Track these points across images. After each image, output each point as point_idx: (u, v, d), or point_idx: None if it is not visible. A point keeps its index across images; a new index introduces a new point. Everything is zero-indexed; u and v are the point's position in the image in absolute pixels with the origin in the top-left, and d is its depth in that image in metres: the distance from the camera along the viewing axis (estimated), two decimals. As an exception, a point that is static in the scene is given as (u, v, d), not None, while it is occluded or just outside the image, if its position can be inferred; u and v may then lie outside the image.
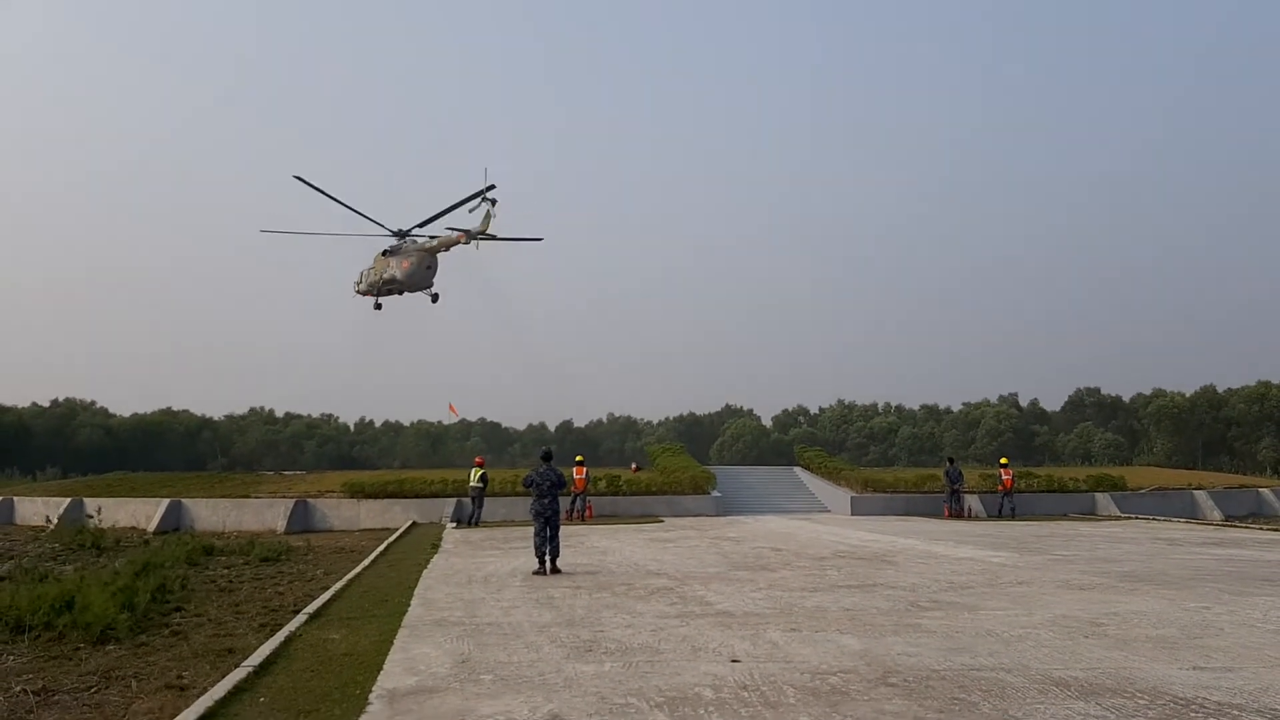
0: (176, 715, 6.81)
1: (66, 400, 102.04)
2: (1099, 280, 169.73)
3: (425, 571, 15.71)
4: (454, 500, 29.99)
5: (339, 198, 34.20)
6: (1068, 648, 9.03)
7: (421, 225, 36.52)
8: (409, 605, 12.06)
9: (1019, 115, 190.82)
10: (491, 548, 20.14)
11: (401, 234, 36.70)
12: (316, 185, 33.99)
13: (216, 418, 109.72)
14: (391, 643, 9.54)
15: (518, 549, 19.57)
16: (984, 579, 14.35)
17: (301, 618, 11.02)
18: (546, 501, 15.78)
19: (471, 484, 28.04)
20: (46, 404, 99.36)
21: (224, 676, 8.03)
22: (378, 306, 38.99)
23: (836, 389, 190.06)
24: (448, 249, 35.94)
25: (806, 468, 38.62)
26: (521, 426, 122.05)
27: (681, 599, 12.42)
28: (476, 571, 15.73)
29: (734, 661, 8.47)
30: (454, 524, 27.89)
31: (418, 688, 7.61)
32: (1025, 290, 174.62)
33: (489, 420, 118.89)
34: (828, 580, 14.30)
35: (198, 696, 7.41)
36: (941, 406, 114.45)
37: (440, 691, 7.47)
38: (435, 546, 20.29)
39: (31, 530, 29.85)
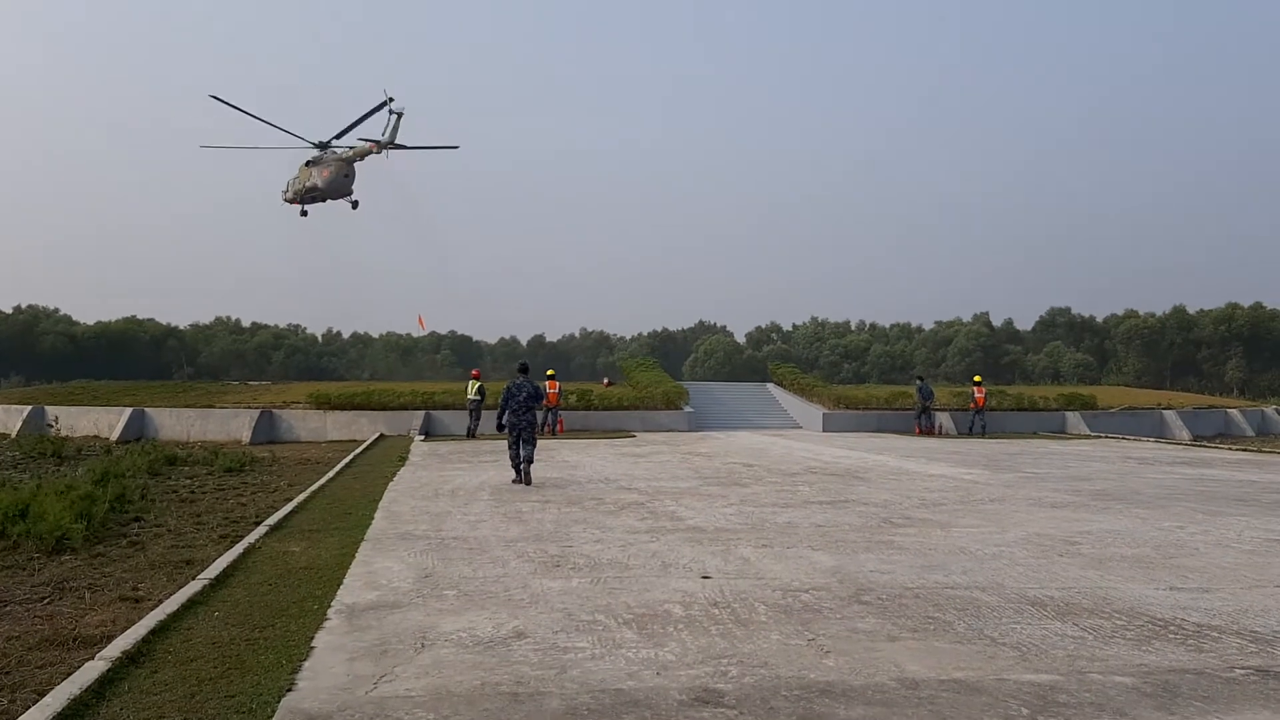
0: (129, 627, 6.55)
1: (29, 307, 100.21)
2: (1073, 202, 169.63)
3: (391, 484, 15.47)
4: (423, 413, 29.73)
5: (257, 114, 35.78)
6: (1043, 566, 8.93)
7: (338, 137, 38.63)
8: (373, 518, 11.81)
9: (1003, 41, 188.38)
10: (460, 461, 19.93)
11: (322, 145, 38.59)
12: (234, 104, 35.73)
13: (182, 326, 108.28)
14: (353, 556, 9.30)
15: (486, 463, 19.38)
16: (956, 496, 14.29)
17: (262, 529, 10.76)
18: (521, 414, 15.75)
19: (469, 396, 28.12)
20: (9, 310, 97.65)
21: (180, 589, 7.78)
22: (303, 214, 40.77)
23: (810, 307, 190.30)
24: (362, 158, 38.20)
25: (779, 384, 38.59)
26: (493, 340, 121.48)
27: (652, 514, 12.25)
28: (444, 485, 15.51)
29: (704, 578, 8.30)
30: (421, 436, 27.67)
31: (378, 603, 7.38)
32: (1001, 211, 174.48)
33: (459, 333, 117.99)
34: (799, 496, 14.18)
35: (152, 609, 7.15)
36: (914, 325, 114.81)
37: (402, 607, 7.24)
38: (402, 459, 20.06)
39: (-8, 438, 29.40)
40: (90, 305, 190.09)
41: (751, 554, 9.48)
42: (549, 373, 30.46)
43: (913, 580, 8.26)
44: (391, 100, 36.50)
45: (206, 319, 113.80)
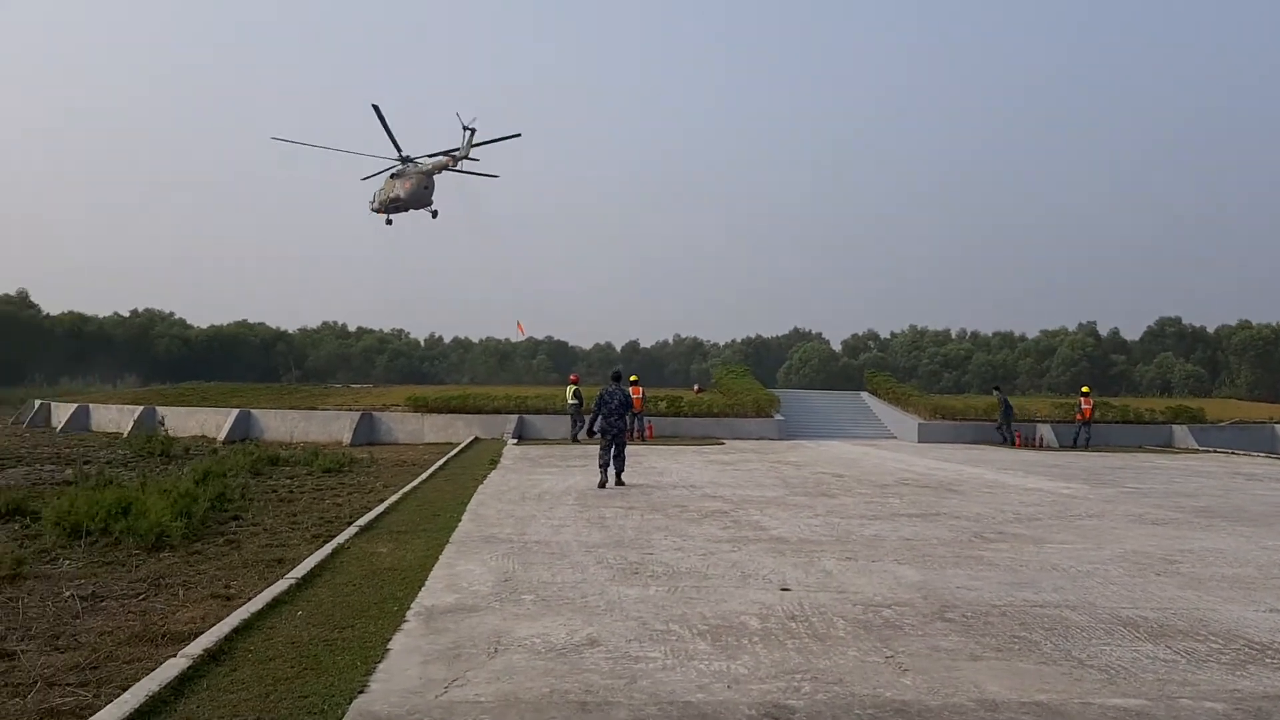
0: (215, 625, 6.73)
1: (146, 310, 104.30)
2: (1185, 209, 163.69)
3: (480, 487, 15.67)
4: (516, 417, 30.06)
5: (322, 145, 40.27)
6: (1137, 585, 8.61)
7: (429, 156, 41.14)
8: (460, 521, 11.96)
9: (1116, 41, 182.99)
10: (550, 465, 20.08)
11: (405, 160, 40.60)
12: (295, 140, 40.24)
13: (291, 330, 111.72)
14: (437, 558, 9.43)
15: (575, 467, 19.49)
16: (1052, 511, 13.88)
17: (352, 530, 10.98)
18: (614, 420, 16.24)
19: (568, 401, 28.35)
20: (127, 314, 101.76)
21: (268, 587, 7.98)
22: (388, 223, 43.00)
23: (909, 314, 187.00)
24: (440, 171, 40.26)
25: (874, 393, 38.04)
26: (588, 346, 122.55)
27: (735, 523, 12.16)
28: (531, 489, 15.64)
29: (784, 590, 8.19)
30: (514, 440, 27.98)
31: (457, 606, 7.46)
32: (1109, 217, 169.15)
33: (556, 339, 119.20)
34: (889, 508, 13.93)
35: (240, 607, 7.34)
36: (1017, 334, 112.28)
37: (479, 610, 7.31)
38: (494, 462, 20.30)
39: (107, 437, 30.65)
40: (204, 309, 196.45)
41: (834, 567, 9.33)
42: (632, 378, 30.58)
43: (1000, 597, 8.03)
44: (475, 120, 39.13)
45: (314, 323, 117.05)
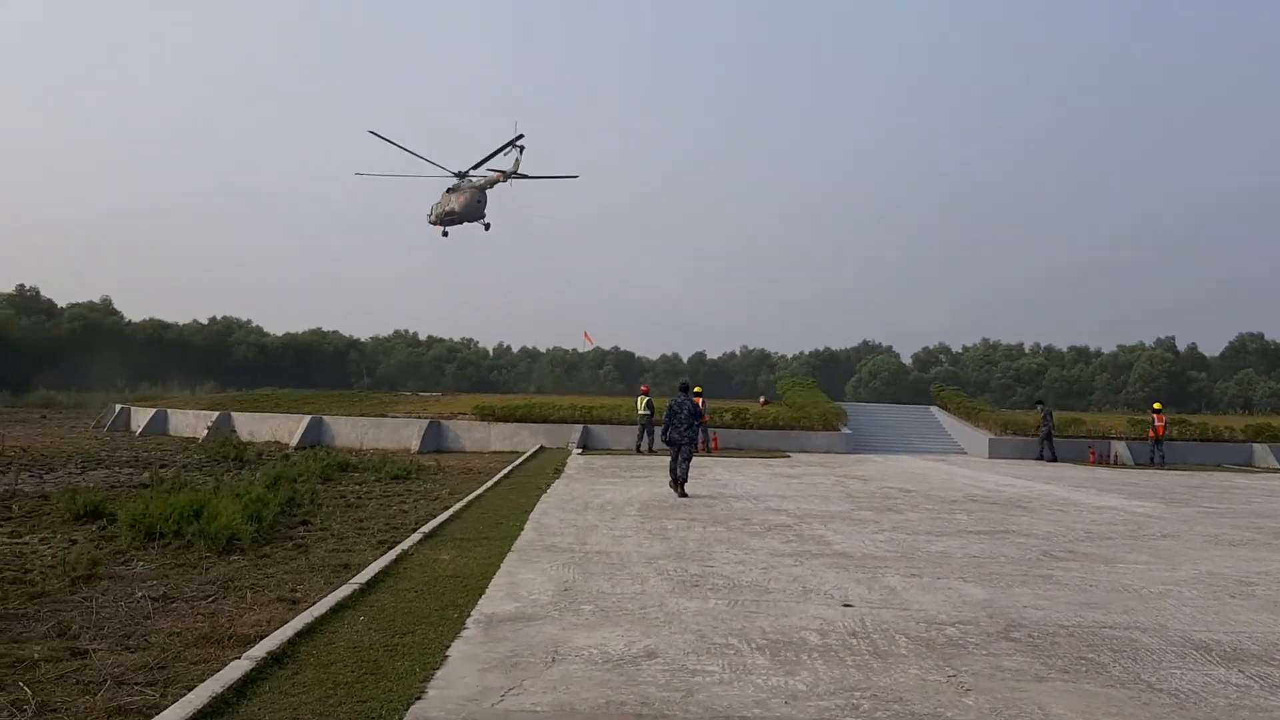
0: (280, 628, 6.85)
1: (224, 318, 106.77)
2: (1268, 222, 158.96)
3: (544, 496, 15.75)
4: (580, 426, 30.18)
5: (410, 148, 40.43)
6: (1212, 608, 8.37)
7: (475, 167, 42.65)
8: (522, 529, 12.05)
9: (1196, 47, 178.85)
10: (613, 475, 20.12)
11: (460, 175, 42.49)
12: (391, 139, 40.09)
13: (363, 339, 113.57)
14: (498, 566, 9.49)
15: (638, 478, 19.52)
16: (1125, 530, 13.56)
17: (416, 536, 11.11)
18: (683, 429, 16.86)
19: (639, 412, 28.42)
20: (206, 321, 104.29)
21: (332, 591, 8.09)
22: (445, 234, 44.78)
23: (981, 328, 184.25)
24: (492, 186, 41.99)
25: (944, 407, 37.51)
26: (654, 356, 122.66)
27: (798, 537, 12.07)
28: (594, 499, 15.68)
29: (846, 606, 8.10)
30: (579, 450, 28.08)
31: (516, 614, 7.49)
32: (1189, 231, 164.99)
33: (623, 349, 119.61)
34: (956, 525, 13.72)
35: (305, 610, 7.45)
36: (1092, 349, 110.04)
37: (538, 619, 7.34)
38: (558, 471, 20.39)
39: (183, 441, 31.41)
40: (280, 317, 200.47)
41: (898, 583, 9.21)
42: (696, 390, 30.52)
43: (1068, 618, 7.86)
44: (522, 136, 40.74)
45: (386, 332, 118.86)
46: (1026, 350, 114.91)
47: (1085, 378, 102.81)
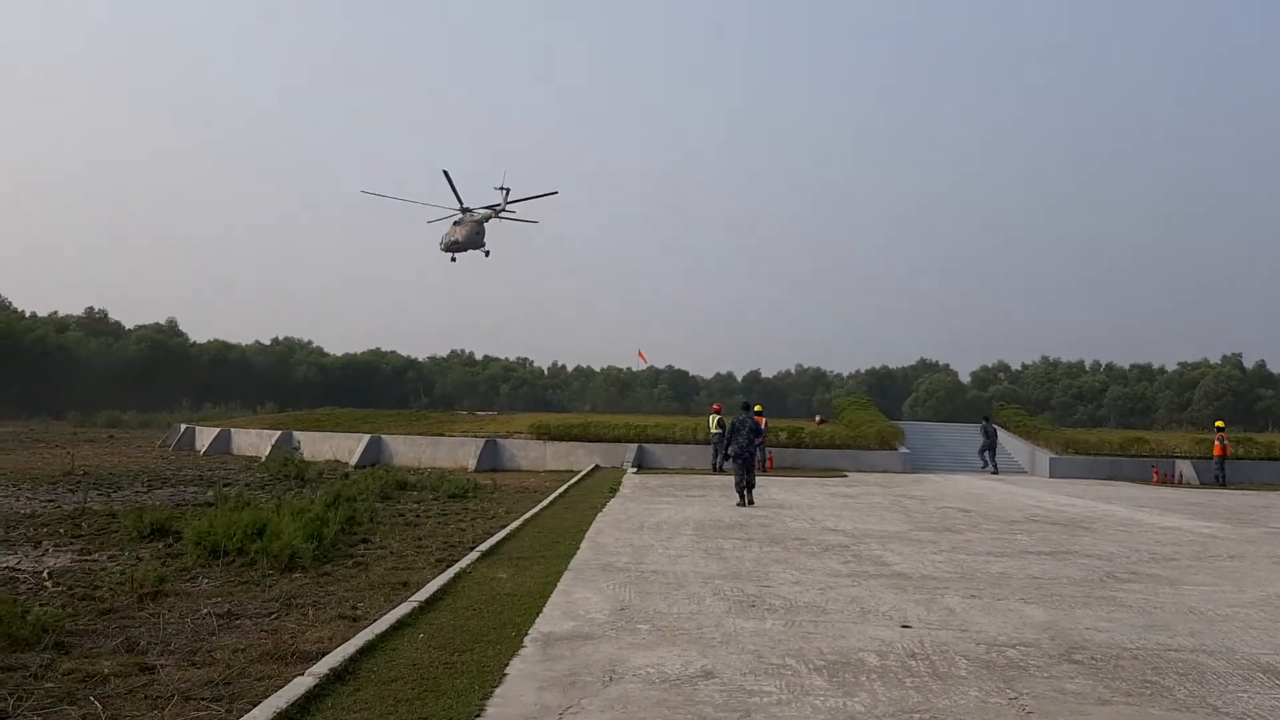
0: (341, 645, 6.95)
1: (285, 339, 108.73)
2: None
3: (599, 515, 15.80)
4: (635, 446, 30.24)
5: (407, 198, 47.83)
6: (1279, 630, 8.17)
7: (482, 207, 48.72)
8: (578, 548, 12.10)
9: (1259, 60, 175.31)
10: (668, 495, 20.12)
11: (464, 209, 48.28)
12: (384, 194, 47.12)
13: (421, 359, 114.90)
14: (555, 585, 9.55)
15: (694, 497, 19.50)
16: (1190, 551, 13.28)
17: (474, 555, 11.22)
18: (744, 445, 18.05)
19: (712, 430, 28.61)
20: (268, 342, 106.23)
21: (392, 609, 8.19)
22: (453, 260, 50.80)
23: (1041, 345, 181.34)
24: (488, 220, 48.13)
25: (1003, 426, 37.00)
26: (709, 375, 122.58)
27: (856, 557, 11.98)
28: (649, 518, 15.69)
29: (904, 627, 8.03)
30: (634, 469, 28.13)
31: (573, 633, 7.53)
32: (1254, 244, 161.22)
33: (677, 368, 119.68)
34: (1017, 545, 13.53)
35: (366, 628, 7.56)
36: (1155, 366, 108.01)
37: (595, 639, 7.37)
38: (613, 490, 20.45)
39: (246, 460, 31.99)
40: (340, 338, 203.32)
41: (958, 604, 9.10)
42: (756, 408, 30.46)
43: (1132, 640, 7.72)
44: (505, 177, 47.83)
45: (443, 352, 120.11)
46: (1087, 368, 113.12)
47: (1149, 395, 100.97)
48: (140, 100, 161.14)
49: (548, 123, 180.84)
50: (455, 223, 49.50)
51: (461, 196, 48.20)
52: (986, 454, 32.07)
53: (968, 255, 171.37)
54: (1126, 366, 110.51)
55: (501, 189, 47.99)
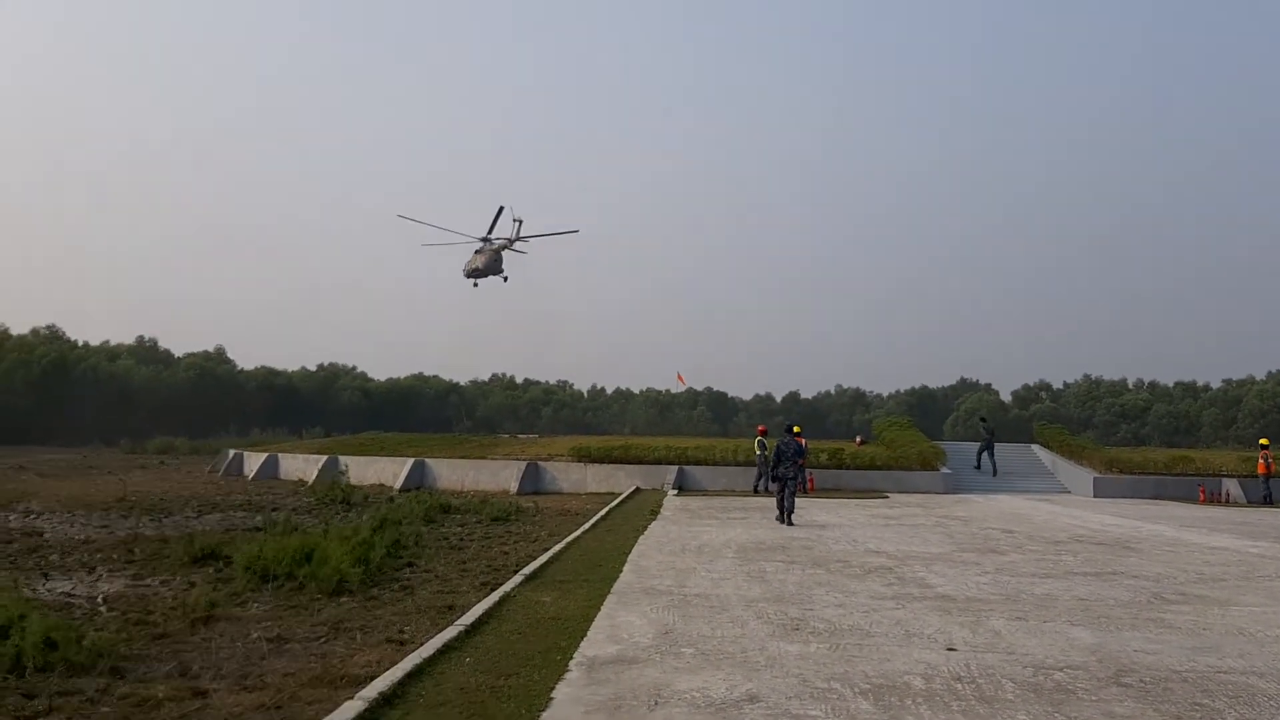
0: (389, 669, 7.06)
1: (330, 365, 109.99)
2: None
3: (641, 538, 15.85)
4: (675, 468, 30.25)
5: (441, 225, 50.53)
6: (1334, 654, 8.06)
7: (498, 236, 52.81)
8: (621, 571, 12.16)
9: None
10: (710, 517, 20.13)
11: (484, 239, 51.96)
12: (419, 220, 49.64)
13: (462, 383, 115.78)
14: (599, 609, 9.61)
15: (735, 519, 19.50)
16: (1239, 571, 13.12)
17: (518, 578, 11.31)
18: (787, 466, 18.98)
19: (756, 453, 28.87)
20: (313, 368, 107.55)
21: (439, 633, 8.30)
22: (475, 285, 53.96)
23: (1083, 364, 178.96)
24: (505, 249, 52.22)
25: (1046, 445, 36.65)
26: (748, 396, 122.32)
27: (899, 579, 11.95)
28: (691, 541, 15.72)
29: (950, 650, 8.01)
30: (674, 491, 28.14)
31: (618, 657, 7.59)
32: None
33: (715, 390, 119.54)
34: (1062, 566, 13.42)
35: (413, 651, 7.67)
36: (1199, 383, 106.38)
37: (640, 663, 7.42)
38: (654, 513, 20.48)
39: (293, 485, 32.36)
40: (383, 363, 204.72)
41: (1003, 626, 9.07)
42: (795, 429, 30.38)
43: (1181, 662, 7.65)
44: (512, 209, 51.55)
45: (485, 375, 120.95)
46: (1130, 386, 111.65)
47: (1193, 413, 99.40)
48: (193, 136, 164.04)
49: (600, 139, 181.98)
50: (476, 251, 52.75)
51: (494, 228, 51.71)
52: (985, 455, 33.28)
53: (1007, 274, 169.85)
54: (1170, 384, 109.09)
55: (515, 220, 52.11)
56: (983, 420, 35.57)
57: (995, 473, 32.78)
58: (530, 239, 52.37)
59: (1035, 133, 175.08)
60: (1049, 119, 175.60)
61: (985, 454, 33.36)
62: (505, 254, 53.07)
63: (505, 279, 54.36)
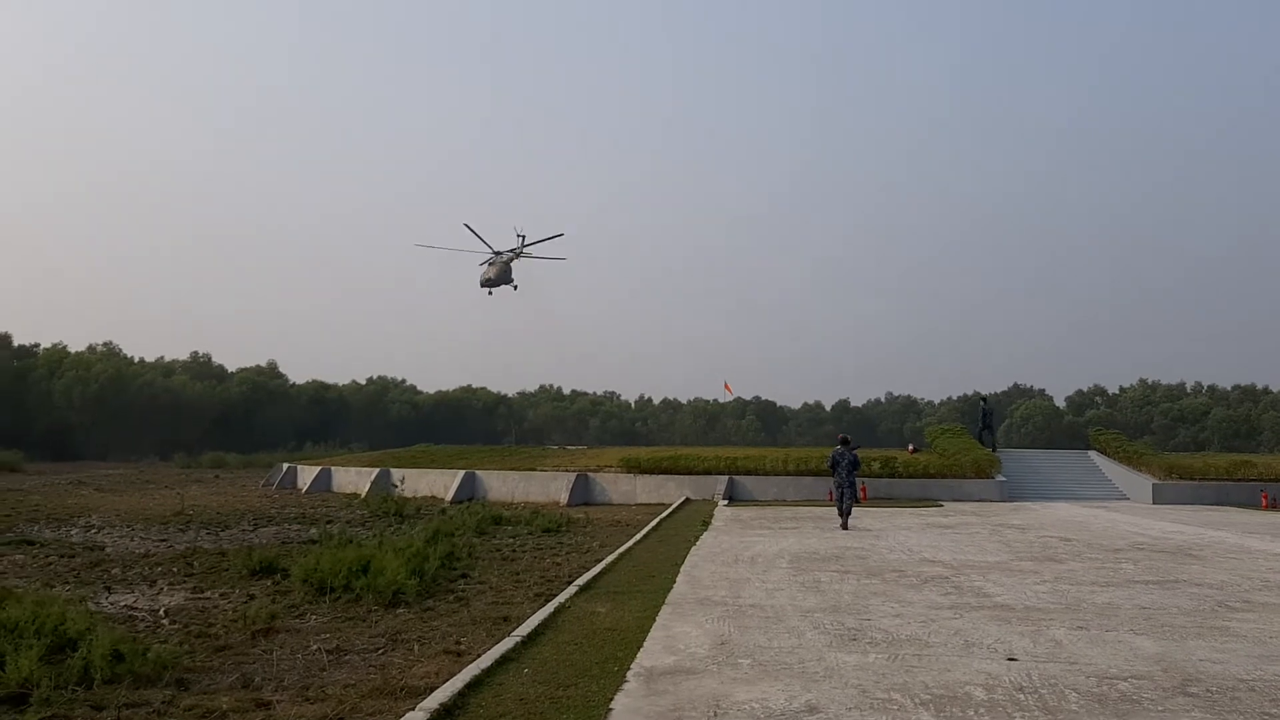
0: (448, 680, 7.11)
1: (380, 378, 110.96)
2: None
3: (693, 548, 15.81)
4: (726, 478, 30.15)
5: (487, 241, 57.90)
6: None
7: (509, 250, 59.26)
8: (674, 582, 12.14)
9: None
10: (761, 527, 20.03)
11: (496, 252, 57.90)
12: (477, 233, 57.01)
13: (510, 395, 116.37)
14: (654, 619, 9.61)
15: (787, 529, 19.40)
16: (1307, 579, 12.80)
17: (572, 589, 11.34)
18: (844, 475, 20.51)
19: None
20: (364, 382, 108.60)
21: (496, 644, 8.35)
22: (489, 294, 59.06)
23: (1138, 368, 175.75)
24: (513, 260, 58.09)
25: (1102, 452, 36.03)
26: (796, 405, 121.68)
27: (956, 589, 11.81)
28: (744, 551, 15.65)
29: (1010, 660, 7.91)
30: (725, 501, 28.05)
31: (675, 668, 7.59)
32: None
33: (764, 399, 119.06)
34: (1122, 574, 13.19)
35: (471, 663, 7.71)
36: (1259, 386, 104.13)
37: (697, 673, 7.41)
38: (705, 524, 20.43)
39: (346, 497, 32.70)
40: (431, 376, 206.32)
41: (1064, 636, 8.93)
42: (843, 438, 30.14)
43: (1249, 671, 7.50)
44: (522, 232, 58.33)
45: (532, 387, 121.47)
46: (1188, 390, 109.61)
47: (1253, 417, 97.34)
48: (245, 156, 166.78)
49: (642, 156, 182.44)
50: (489, 263, 58.43)
51: (489, 243, 57.96)
52: (984, 435, 35.19)
53: (1058, 278, 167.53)
54: (1228, 388, 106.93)
55: (519, 235, 58.39)
56: (983, 400, 37.68)
57: (995, 450, 34.28)
58: (534, 257, 58.45)
59: (1081, 136, 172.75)
60: (1090, 120, 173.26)
61: (984, 433, 35.10)
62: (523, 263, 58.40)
63: (515, 288, 59.69)
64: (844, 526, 19.85)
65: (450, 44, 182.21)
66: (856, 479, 27.85)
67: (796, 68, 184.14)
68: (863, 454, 29.36)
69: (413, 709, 6.34)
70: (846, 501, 20.43)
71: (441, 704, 6.36)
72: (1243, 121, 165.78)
